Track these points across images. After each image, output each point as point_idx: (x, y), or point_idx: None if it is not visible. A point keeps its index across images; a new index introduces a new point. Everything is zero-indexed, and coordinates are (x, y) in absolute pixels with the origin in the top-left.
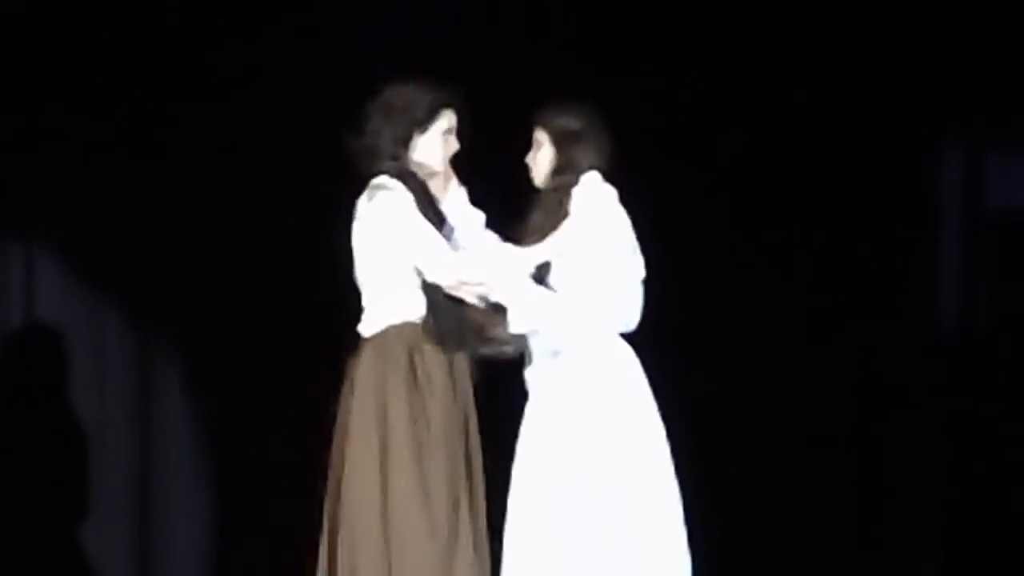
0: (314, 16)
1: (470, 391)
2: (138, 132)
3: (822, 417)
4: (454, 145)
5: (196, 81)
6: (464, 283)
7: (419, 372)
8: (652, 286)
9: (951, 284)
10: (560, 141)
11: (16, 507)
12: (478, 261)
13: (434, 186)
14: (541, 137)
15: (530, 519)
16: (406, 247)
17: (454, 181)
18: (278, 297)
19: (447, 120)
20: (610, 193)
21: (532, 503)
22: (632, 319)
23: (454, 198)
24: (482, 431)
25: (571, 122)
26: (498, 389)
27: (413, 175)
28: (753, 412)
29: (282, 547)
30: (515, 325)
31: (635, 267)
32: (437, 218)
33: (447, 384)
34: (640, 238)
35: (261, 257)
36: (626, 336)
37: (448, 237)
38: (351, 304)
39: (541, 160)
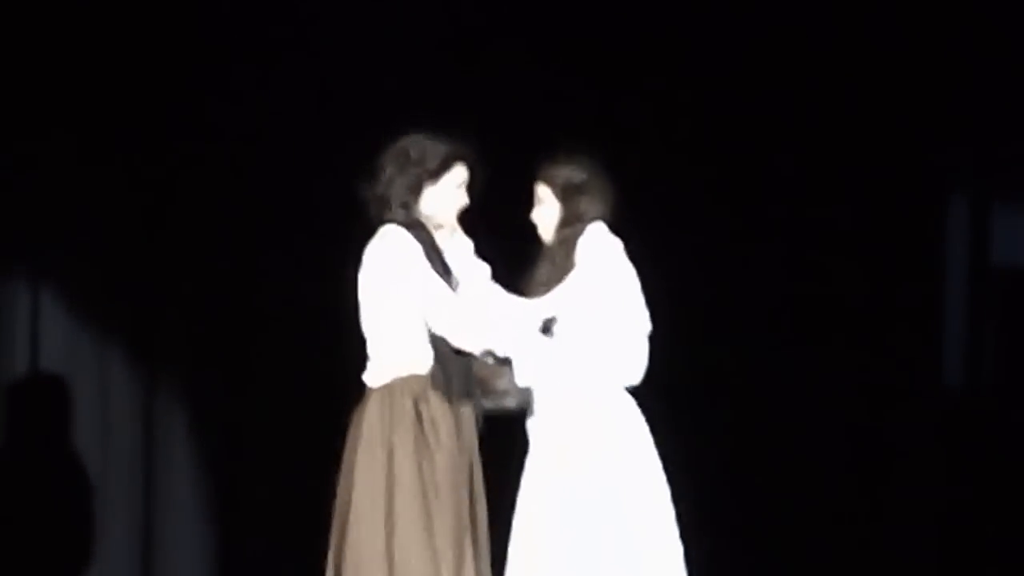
0: (326, 65)
1: (475, 441)
2: (146, 178)
3: (825, 473)
4: (463, 199)
5: (206, 126)
6: (469, 333)
7: (425, 423)
8: (657, 340)
9: (955, 338)
10: (565, 194)
11: (20, 555)
12: (482, 312)
13: (441, 238)
14: (544, 192)
15: (531, 570)
16: (412, 296)
17: (460, 233)
18: (283, 345)
19: (459, 173)
20: (616, 245)
21: (533, 554)
22: (637, 373)
23: (460, 250)
24: (485, 481)
25: (574, 175)
26: (501, 440)
27: (422, 225)
28: (757, 466)
29: None
30: (521, 378)
31: (640, 320)
32: (443, 269)
33: (452, 435)
34: (646, 290)
35: (267, 305)
36: (631, 389)
37: (453, 289)
38: (356, 353)
39: (547, 215)
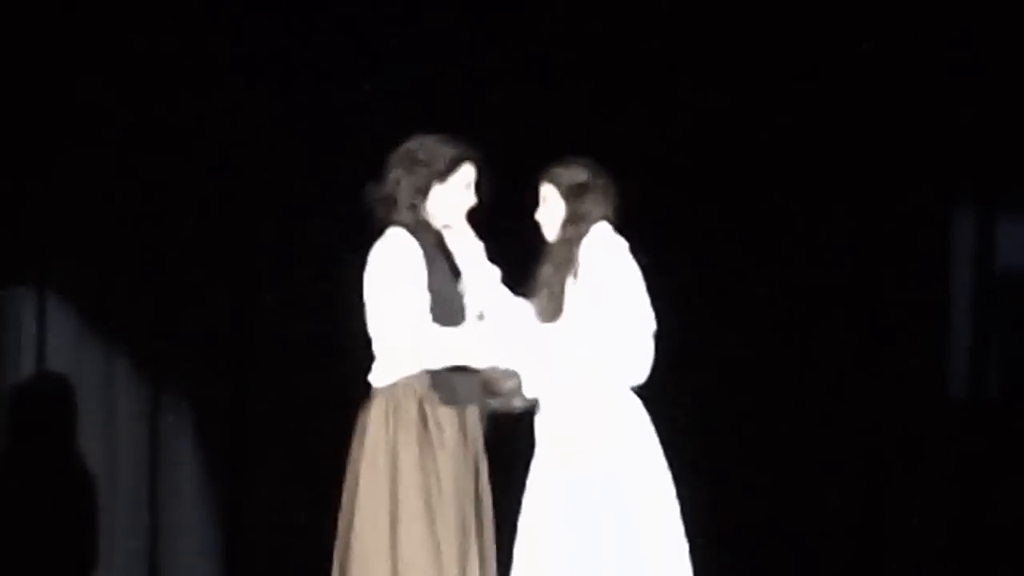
0: (332, 67)
1: (480, 441)
2: (151, 179)
3: (829, 478)
4: (472, 199)
5: (211, 128)
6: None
7: (430, 423)
8: (663, 339)
9: (960, 349)
10: (569, 194)
11: (26, 555)
12: (440, 339)
13: (450, 239)
14: (549, 192)
15: (537, 568)
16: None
17: (471, 235)
18: (289, 345)
19: (467, 174)
20: (620, 244)
21: (538, 553)
22: (642, 372)
23: (470, 252)
24: (492, 481)
25: (578, 174)
26: (506, 439)
27: (428, 227)
28: (762, 465)
29: None
30: (530, 389)
31: (645, 319)
32: (451, 271)
33: (458, 436)
34: (651, 289)
35: (274, 304)
36: (636, 389)
37: (461, 292)
38: (363, 353)
39: (551, 214)
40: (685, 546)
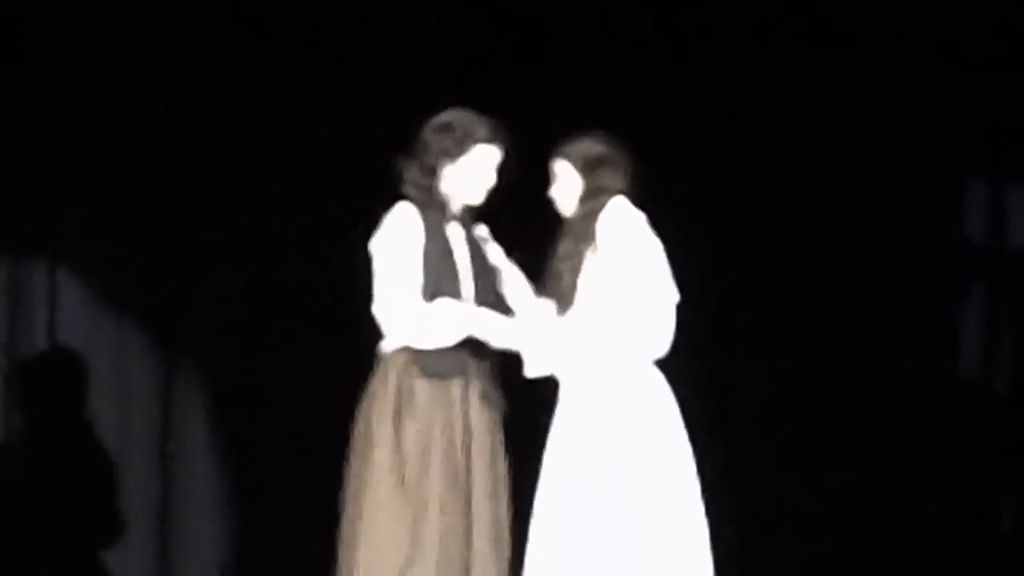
0: (350, 45)
1: (477, 417)
2: (163, 151)
3: (844, 459)
4: (487, 181)
5: (222, 100)
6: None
7: (404, 394)
8: (685, 310)
9: (973, 329)
10: (586, 167)
11: (39, 531)
12: (438, 312)
13: (463, 217)
14: (563, 168)
15: (555, 547)
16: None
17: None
18: (303, 316)
19: (481, 154)
20: (639, 217)
21: (556, 532)
22: (664, 345)
23: (478, 232)
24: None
25: (594, 147)
26: (524, 412)
27: (440, 204)
28: (785, 434)
29: (304, 568)
30: (531, 369)
31: (667, 292)
32: (450, 252)
33: (433, 408)
34: (672, 261)
35: (285, 278)
36: (658, 361)
37: (457, 273)
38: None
39: (567, 189)
40: (705, 525)
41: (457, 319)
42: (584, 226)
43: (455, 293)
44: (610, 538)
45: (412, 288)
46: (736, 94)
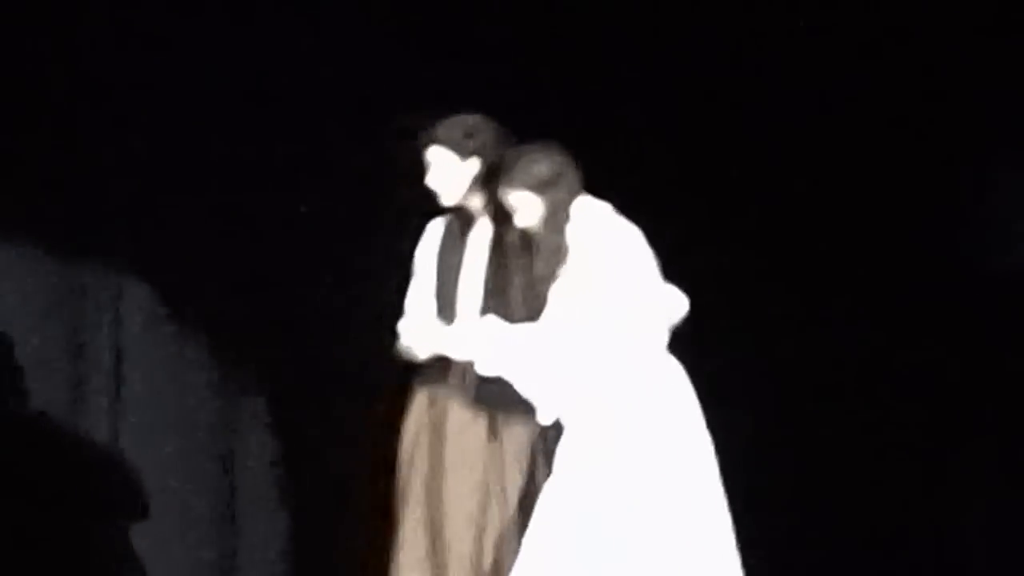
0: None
1: (466, 434)
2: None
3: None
4: (432, 180)
5: (252, 123)
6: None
7: (407, 403)
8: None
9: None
10: (543, 189)
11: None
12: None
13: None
14: (518, 198)
15: (567, 543)
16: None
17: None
18: (351, 325)
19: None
20: (604, 208)
21: (566, 528)
22: (660, 325)
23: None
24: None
25: (542, 169)
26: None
27: (460, 210)
28: (800, 418)
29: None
30: (482, 367)
31: (650, 271)
32: (460, 263)
33: (418, 419)
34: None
35: (335, 283)
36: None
37: (459, 284)
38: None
39: (530, 214)
40: (727, 510)
41: (420, 337)
42: (553, 243)
43: (450, 305)
44: (628, 531)
45: (415, 303)
46: (735, 94)
